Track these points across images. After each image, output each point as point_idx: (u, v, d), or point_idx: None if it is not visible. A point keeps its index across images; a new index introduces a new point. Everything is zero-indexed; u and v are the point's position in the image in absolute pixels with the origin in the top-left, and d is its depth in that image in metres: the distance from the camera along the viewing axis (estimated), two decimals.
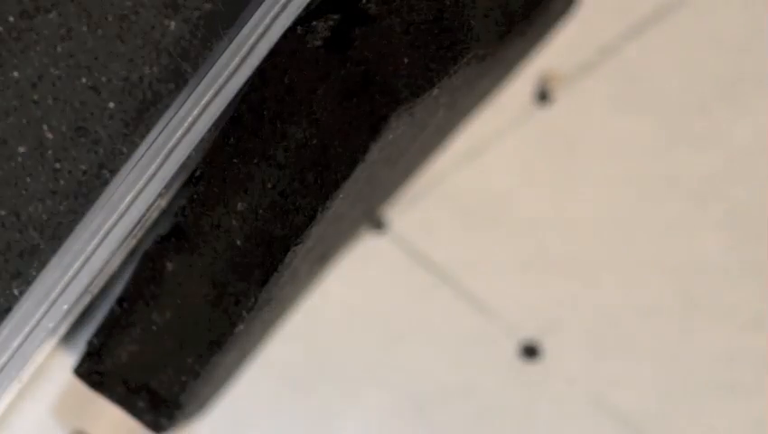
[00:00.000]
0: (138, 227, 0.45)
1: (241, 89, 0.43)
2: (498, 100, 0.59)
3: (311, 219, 0.44)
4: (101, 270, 0.45)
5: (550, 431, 0.57)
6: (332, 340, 0.58)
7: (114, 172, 0.45)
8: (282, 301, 0.52)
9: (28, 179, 0.45)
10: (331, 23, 0.42)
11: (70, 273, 0.45)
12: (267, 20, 0.43)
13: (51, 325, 0.45)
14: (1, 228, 0.45)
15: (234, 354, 0.51)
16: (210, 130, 0.44)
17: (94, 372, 0.50)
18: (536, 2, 0.52)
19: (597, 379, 0.57)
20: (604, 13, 0.60)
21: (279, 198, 0.44)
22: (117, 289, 0.48)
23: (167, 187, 0.44)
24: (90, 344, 0.49)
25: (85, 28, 0.44)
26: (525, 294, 0.58)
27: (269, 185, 0.44)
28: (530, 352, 0.57)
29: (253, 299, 0.46)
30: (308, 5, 0.43)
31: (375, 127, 0.42)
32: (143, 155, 0.44)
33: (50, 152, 0.44)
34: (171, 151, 0.44)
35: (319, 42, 0.42)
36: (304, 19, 0.43)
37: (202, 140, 0.44)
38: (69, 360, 0.55)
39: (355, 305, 0.58)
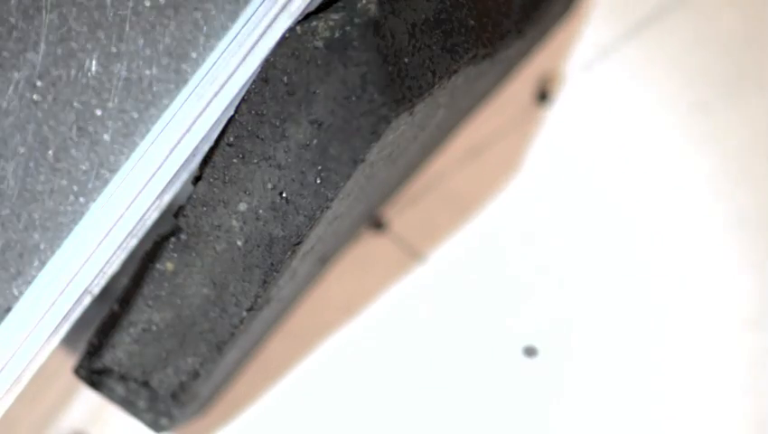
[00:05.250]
0: (138, 227, 0.45)
1: (241, 90, 0.43)
2: (498, 100, 0.59)
3: (311, 219, 0.44)
4: (101, 270, 0.45)
5: (551, 431, 0.57)
6: (332, 340, 0.58)
7: (114, 172, 0.45)
8: (282, 301, 0.52)
9: (28, 179, 0.45)
10: (331, 23, 0.42)
11: (70, 273, 0.45)
12: (267, 20, 0.43)
13: (51, 325, 0.45)
14: (1, 228, 0.45)
15: (234, 354, 0.51)
16: (210, 130, 0.44)
17: (94, 371, 0.50)
18: (536, 2, 0.52)
19: (597, 379, 0.57)
20: (603, 13, 0.60)
21: (279, 198, 0.44)
22: (117, 289, 0.48)
23: (167, 187, 0.44)
24: (90, 344, 0.49)
25: (85, 28, 0.44)
26: (525, 293, 0.58)
27: (269, 186, 0.44)
28: (531, 352, 0.57)
29: (253, 299, 0.46)
30: (308, 5, 0.43)
31: (375, 127, 0.42)
32: (143, 155, 0.44)
33: (50, 152, 0.44)
34: (171, 151, 0.44)
35: (319, 42, 0.42)
36: (304, 19, 0.43)
37: (202, 140, 0.44)
38: (69, 360, 0.55)
39: (355, 305, 0.58)
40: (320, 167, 0.43)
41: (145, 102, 0.44)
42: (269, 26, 0.43)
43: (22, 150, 0.44)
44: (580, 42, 0.59)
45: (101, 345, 0.49)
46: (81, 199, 0.45)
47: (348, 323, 0.58)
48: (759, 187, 0.58)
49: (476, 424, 0.57)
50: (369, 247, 0.58)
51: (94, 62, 0.44)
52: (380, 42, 0.42)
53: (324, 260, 0.55)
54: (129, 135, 0.45)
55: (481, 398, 0.57)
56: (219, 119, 0.44)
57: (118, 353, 0.49)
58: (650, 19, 0.59)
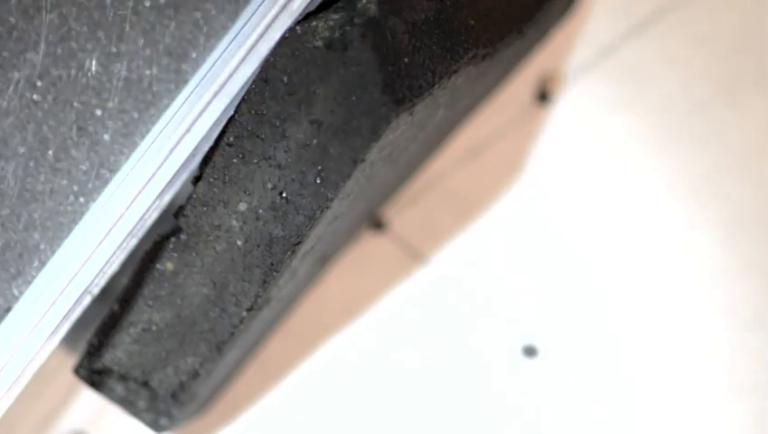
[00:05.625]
0: (138, 227, 0.45)
1: (241, 90, 0.43)
2: (498, 100, 0.59)
3: (311, 219, 0.44)
4: (101, 270, 0.45)
5: (550, 431, 0.57)
6: (332, 339, 0.58)
7: (114, 172, 0.45)
8: (282, 301, 0.52)
9: (28, 179, 0.45)
10: (331, 22, 0.42)
11: (70, 273, 0.45)
12: (267, 20, 0.43)
13: (51, 325, 0.45)
14: (1, 228, 0.45)
15: (234, 354, 0.51)
16: (210, 130, 0.44)
17: (94, 371, 0.50)
18: (536, 2, 0.52)
19: (597, 379, 0.57)
20: (604, 13, 0.59)
21: (279, 198, 0.44)
22: (117, 289, 0.48)
23: (167, 187, 0.44)
24: (90, 343, 0.49)
25: (85, 28, 0.44)
26: (525, 293, 0.58)
27: (269, 186, 0.44)
28: (531, 352, 0.57)
29: (253, 299, 0.46)
30: (308, 5, 0.43)
31: (375, 127, 0.42)
32: (143, 155, 0.44)
33: (50, 152, 0.44)
34: (171, 151, 0.44)
35: (319, 42, 0.42)
36: (304, 19, 0.43)
37: (202, 140, 0.44)
38: (69, 360, 0.55)
39: (355, 305, 0.58)
40: (320, 167, 0.43)
41: (145, 102, 0.44)
42: (269, 26, 0.43)
43: (22, 150, 0.44)
44: (580, 42, 0.59)
45: (101, 345, 0.49)
46: (81, 199, 0.45)
47: (348, 323, 0.58)
48: (759, 187, 0.59)
49: (476, 424, 0.57)
50: (369, 247, 0.58)
51: (94, 62, 0.44)
52: (380, 41, 0.42)
53: (324, 260, 0.55)
54: (129, 135, 0.45)
55: (481, 398, 0.57)
56: (219, 119, 0.44)
57: (118, 353, 0.49)
58: (651, 19, 0.59)
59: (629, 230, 0.58)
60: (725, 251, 0.58)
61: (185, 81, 0.44)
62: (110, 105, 0.44)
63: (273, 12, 0.43)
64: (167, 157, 0.44)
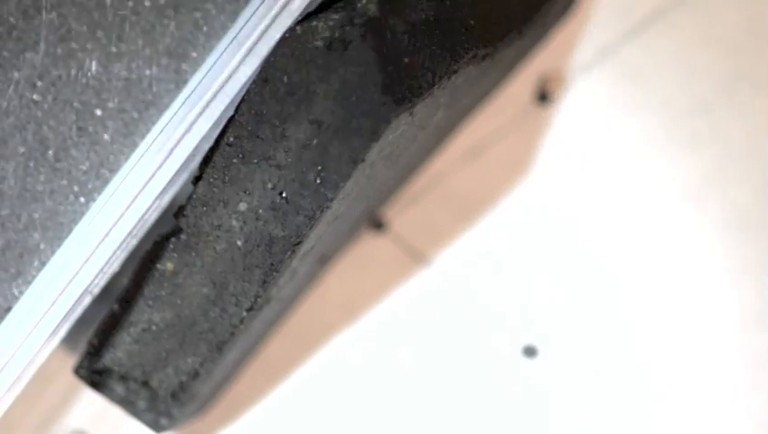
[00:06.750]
0: (138, 227, 0.45)
1: (241, 90, 0.43)
2: (498, 100, 0.59)
3: (311, 219, 0.44)
4: (101, 270, 0.45)
5: (551, 431, 0.57)
6: (332, 339, 0.58)
7: (114, 172, 0.45)
8: (282, 301, 0.52)
9: (28, 179, 0.45)
10: (331, 23, 0.42)
11: (70, 273, 0.45)
12: (267, 20, 0.43)
13: (51, 325, 0.45)
14: (1, 228, 0.45)
15: (234, 354, 0.51)
16: (210, 130, 0.44)
17: (94, 371, 0.50)
18: (536, 2, 0.52)
19: (597, 379, 0.57)
20: (604, 13, 0.60)
21: (279, 198, 0.44)
22: (117, 289, 0.48)
23: (167, 187, 0.44)
24: (90, 343, 0.49)
25: (85, 28, 0.44)
26: (526, 294, 0.58)
27: (269, 186, 0.44)
28: (531, 352, 0.57)
29: (253, 299, 0.46)
30: (308, 5, 0.43)
31: (375, 127, 0.42)
32: (143, 155, 0.44)
33: (50, 152, 0.44)
34: (171, 151, 0.44)
35: (319, 42, 0.42)
36: (304, 19, 0.43)
37: (202, 140, 0.44)
38: (69, 360, 0.55)
39: (355, 305, 0.58)
40: (320, 167, 0.43)
41: (145, 102, 0.45)
42: (269, 26, 0.43)
43: (22, 150, 0.44)
44: (580, 43, 0.59)
45: (101, 345, 0.49)
46: (81, 199, 0.45)
47: (348, 323, 0.58)
48: (759, 187, 0.59)
49: (476, 424, 0.57)
50: (369, 247, 0.58)
51: (94, 62, 0.44)
52: (380, 41, 0.42)
53: (324, 260, 0.55)
54: (129, 135, 0.45)
55: (481, 398, 0.57)
56: (219, 119, 0.44)
57: (118, 353, 0.49)
58: (650, 19, 0.59)
59: (628, 230, 0.58)
60: (725, 252, 0.58)
61: (185, 81, 0.44)
62: (110, 105, 0.44)
63: (273, 12, 0.43)
64: (167, 157, 0.44)
